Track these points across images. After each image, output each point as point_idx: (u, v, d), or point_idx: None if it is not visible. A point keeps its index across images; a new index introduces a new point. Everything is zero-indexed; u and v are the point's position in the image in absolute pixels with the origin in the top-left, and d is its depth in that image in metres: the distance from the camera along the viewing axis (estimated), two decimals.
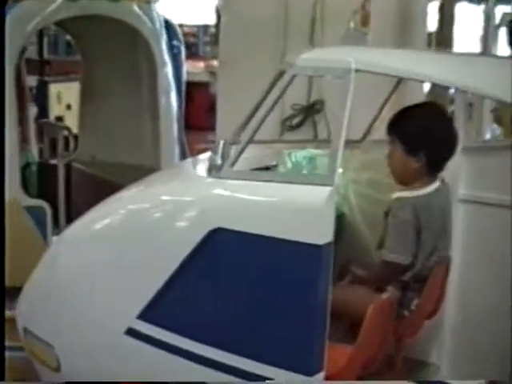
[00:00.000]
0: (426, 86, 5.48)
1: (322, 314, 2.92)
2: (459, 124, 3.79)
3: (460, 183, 3.79)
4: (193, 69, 9.74)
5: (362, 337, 3.10)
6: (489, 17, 11.78)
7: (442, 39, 5.95)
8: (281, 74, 3.19)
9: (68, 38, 8.52)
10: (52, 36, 9.57)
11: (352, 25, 4.51)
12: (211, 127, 5.69)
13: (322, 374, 2.95)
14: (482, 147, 3.95)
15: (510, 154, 3.67)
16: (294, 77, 3.08)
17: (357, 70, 2.99)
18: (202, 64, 11.03)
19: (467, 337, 3.80)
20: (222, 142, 3.16)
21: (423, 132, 3.41)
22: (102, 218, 3.46)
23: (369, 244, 3.83)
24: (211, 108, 6.28)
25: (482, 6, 12.88)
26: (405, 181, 3.50)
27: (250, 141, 3.08)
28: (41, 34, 7.69)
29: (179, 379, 3.14)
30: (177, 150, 5.39)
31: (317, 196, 2.88)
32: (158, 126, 5.35)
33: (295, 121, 5.07)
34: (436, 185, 3.50)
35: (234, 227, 3.00)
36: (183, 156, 5.60)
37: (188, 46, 8.33)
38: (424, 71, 3.12)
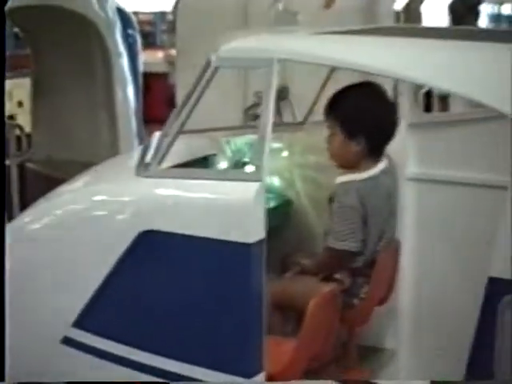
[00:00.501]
0: None
1: (257, 312, 2.78)
2: (404, 100, 3.65)
3: (409, 161, 3.63)
4: (150, 59, 9.43)
5: (304, 332, 2.99)
6: None
7: (410, 17, 5.79)
8: (208, 64, 3.02)
9: (16, 30, 8.24)
10: None
11: (280, 7, 4.31)
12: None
13: (262, 375, 2.83)
14: (429, 122, 3.76)
15: (463, 127, 3.54)
16: (216, 69, 2.93)
17: (280, 60, 2.84)
18: (160, 54, 10.73)
19: (425, 319, 3.67)
20: (157, 134, 3.03)
21: (362, 114, 3.24)
22: (39, 218, 3.31)
23: (317, 231, 3.66)
24: (171, 99, 6.06)
25: None
26: (346, 165, 3.33)
27: (176, 137, 2.93)
28: None
29: None
30: (136, 145, 5.21)
31: (244, 193, 2.74)
32: (115, 120, 5.19)
33: (259, 109, 4.90)
34: (382, 165, 3.32)
35: (163, 228, 2.87)
36: None
37: (144, 35, 8.08)
38: (355, 60, 2.91)
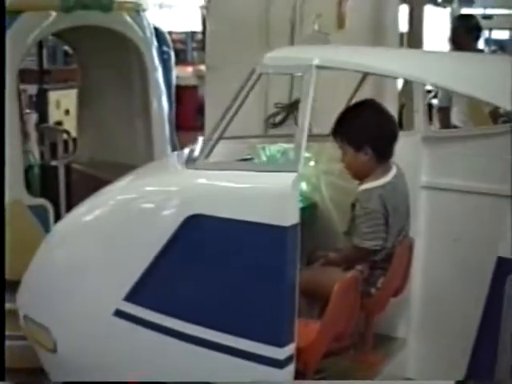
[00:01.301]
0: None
1: (291, 288, 3.01)
2: (418, 114, 3.95)
3: (422, 171, 3.92)
4: (182, 73, 9.81)
5: (328, 312, 3.22)
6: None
7: (413, 39, 6.08)
8: (252, 73, 3.30)
9: (66, 48, 8.61)
10: (51, 47, 9.67)
11: (316, 27, 4.62)
12: (200, 127, 5.81)
13: (292, 346, 3.05)
14: (441, 137, 4.06)
15: (471, 142, 3.83)
16: (260, 75, 3.19)
17: (318, 67, 3.09)
18: (190, 69, 11.14)
19: (433, 313, 3.92)
20: (201, 139, 3.30)
21: (364, 127, 3.58)
22: (92, 209, 3.57)
23: (338, 230, 3.93)
24: (200, 109, 6.32)
25: (449, 9, 13.22)
26: (361, 175, 3.65)
27: (221, 135, 3.17)
28: (40, 46, 7.82)
29: (165, 356, 3.27)
30: (169, 150, 5.49)
31: (283, 181, 2.96)
32: (151, 127, 5.47)
33: (278, 118, 5.17)
34: (394, 171, 3.63)
35: (209, 213, 3.10)
36: None
37: (177, 53, 8.40)
38: (384, 66, 3.25)
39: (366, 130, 3.58)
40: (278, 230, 2.96)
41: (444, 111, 6.61)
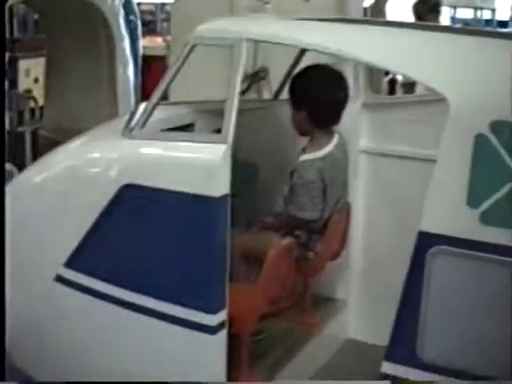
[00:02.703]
0: None
1: (221, 256, 2.93)
2: (358, 82, 3.84)
3: (362, 136, 3.83)
4: (151, 44, 9.69)
5: (262, 278, 3.13)
6: None
7: (375, 15, 5.99)
8: (186, 43, 3.19)
9: (36, 17, 8.45)
10: (21, 16, 9.50)
11: None
12: (166, 97, 5.71)
13: (224, 312, 2.97)
14: (382, 103, 3.96)
15: (409, 108, 3.73)
16: (193, 46, 3.09)
17: (248, 40, 2.99)
18: (159, 39, 10.98)
19: (372, 275, 3.86)
20: (142, 106, 3.20)
21: (302, 91, 3.47)
22: (40, 172, 3.47)
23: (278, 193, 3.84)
24: None
25: None
26: (302, 133, 3.55)
27: (155, 106, 3.07)
28: (11, 14, 7.67)
29: (101, 322, 3.20)
30: None
31: (213, 153, 2.88)
32: (116, 95, 5.37)
33: (242, 87, 5.04)
34: (335, 140, 3.51)
35: (142, 183, 3.00)
36: None
37: (146, 23, 8.26)
38: (314, 41, 3.06)
39: (304, 92, 3.45)
40: (208, 201, 2.87)
41: (407, 87, 6.47)
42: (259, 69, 5.03)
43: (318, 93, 3.44)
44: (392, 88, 7.05)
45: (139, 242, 3.08)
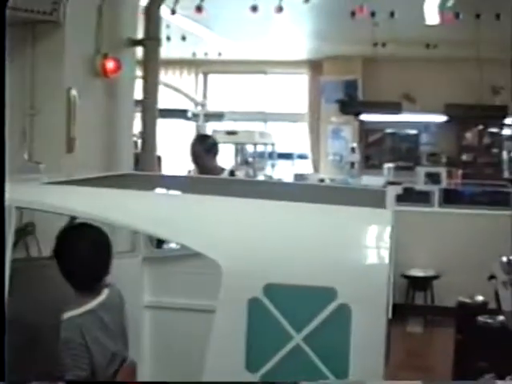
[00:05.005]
0: None
1: None
2: (138, 236, 3.67)
3: (145, 291, 3.65)
4: None
5: None
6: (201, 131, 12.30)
7: (144, 159, 5.95)
8: None
9: None
10: None
11: (26, 156, 4.26)
12: None
13: None
14: (162, 257, 3.82)
15: (186, 261, 3.59)
16: None
17: (17, 208, 2.66)
18: None
19: None
20: None
21: (61, 258, 3.22)
22: None
23: None
24: None
25: (194, 123, 13.38)
26: None
27: None
28: None
29: None
30: None
31: None
32: None
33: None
34: (102, 297, 3.24)
35: None
36: None
37: None
38: (82, 208, 2.67)
39: (61, 262, 3.21)
40: None
41: None
42: (27, 224, 4.69)
43: (70, 265, 3.21)
44: None
45: None
